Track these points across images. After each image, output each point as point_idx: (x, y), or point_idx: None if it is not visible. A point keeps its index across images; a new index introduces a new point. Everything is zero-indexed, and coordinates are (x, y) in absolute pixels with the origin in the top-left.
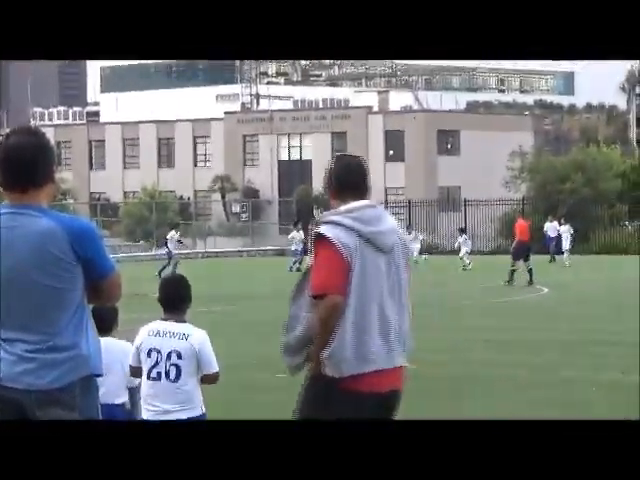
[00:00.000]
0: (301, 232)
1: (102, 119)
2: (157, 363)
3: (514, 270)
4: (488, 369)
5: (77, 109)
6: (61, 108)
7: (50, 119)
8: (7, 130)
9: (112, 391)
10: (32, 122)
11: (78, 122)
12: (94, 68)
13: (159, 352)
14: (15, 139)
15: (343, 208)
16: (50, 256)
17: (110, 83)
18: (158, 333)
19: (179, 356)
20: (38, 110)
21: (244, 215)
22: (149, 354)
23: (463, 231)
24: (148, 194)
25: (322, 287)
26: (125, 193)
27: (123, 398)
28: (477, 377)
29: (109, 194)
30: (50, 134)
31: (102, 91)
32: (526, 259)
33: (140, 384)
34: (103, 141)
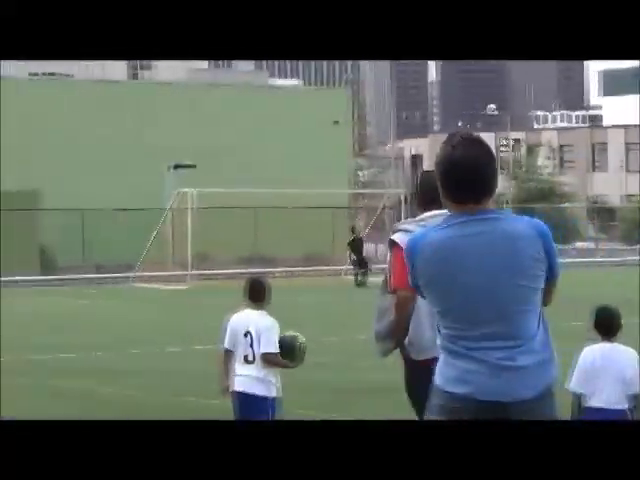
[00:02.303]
0: None
1: (604, 122)
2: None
3: None
4: None
5: (579, 112)
6: (563, 112)
7: (554, 122)
8: (452, 138)
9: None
10: (535, 125)
11: (580, 125)
12: (593, 72)
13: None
14: (466, 151)
15: (418, 217)
16: (528, 257)
17: (610, 86)
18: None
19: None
20: (540, 113)
21: None
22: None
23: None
24: None
25: (395, 284)
26: (625, 197)
27: None
28: None
29: (608, 197)
30: (553, 137)
31: (603, 94)
32: None
33: None
34: (605, 144)
